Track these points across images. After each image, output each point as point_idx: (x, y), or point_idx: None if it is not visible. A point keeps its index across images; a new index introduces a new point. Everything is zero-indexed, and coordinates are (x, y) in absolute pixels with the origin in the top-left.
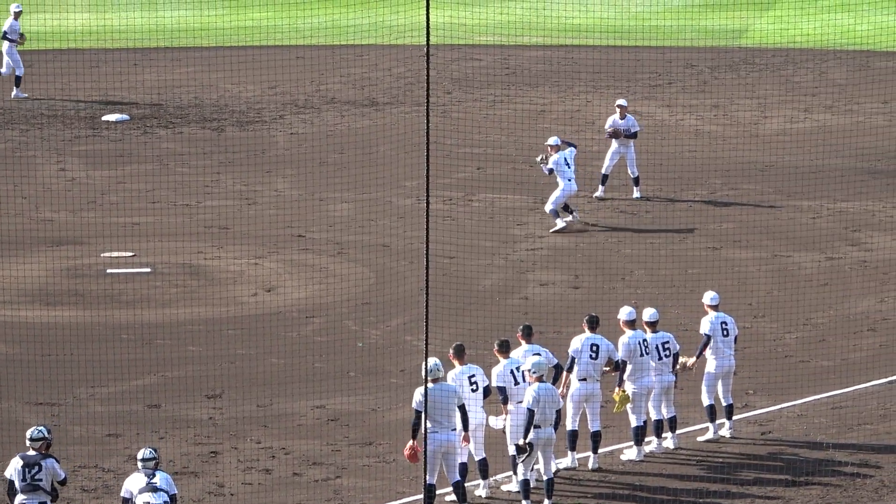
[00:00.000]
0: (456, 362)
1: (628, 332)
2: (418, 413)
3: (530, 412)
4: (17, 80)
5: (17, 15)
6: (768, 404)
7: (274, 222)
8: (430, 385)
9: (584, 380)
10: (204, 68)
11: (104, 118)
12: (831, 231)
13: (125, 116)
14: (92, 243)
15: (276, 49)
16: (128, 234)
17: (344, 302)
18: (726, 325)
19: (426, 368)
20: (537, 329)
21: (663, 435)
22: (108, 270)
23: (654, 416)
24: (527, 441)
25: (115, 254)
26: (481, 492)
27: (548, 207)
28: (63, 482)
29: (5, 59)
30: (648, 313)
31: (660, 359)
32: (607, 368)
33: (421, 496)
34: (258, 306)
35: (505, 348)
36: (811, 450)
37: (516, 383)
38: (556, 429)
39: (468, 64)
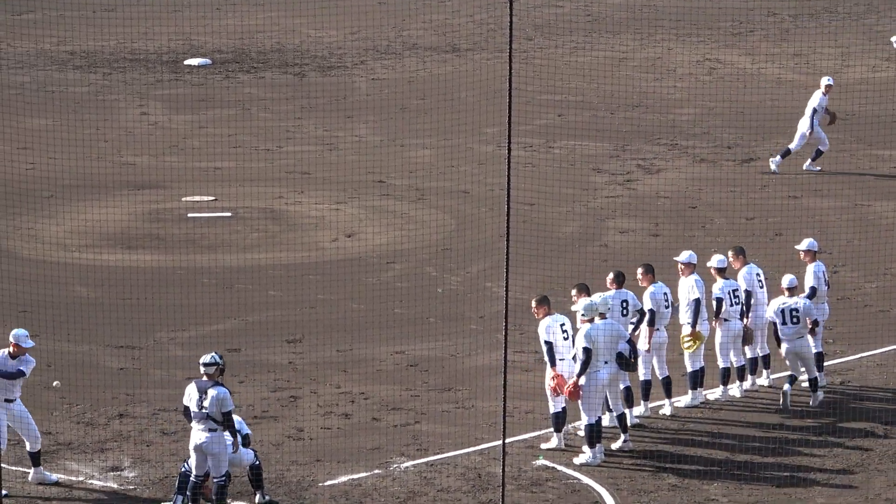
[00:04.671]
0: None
1: (691, 276)
2: (588, 350)
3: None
4: None
5: None
6: (848, 353)
7: (355, 168)
8: (596, 322)
9: (658, 329)
10: (286, 13)
11: (186, 63)
12: None
13: (207, 61)
14: (173, 187)
15: None
16: (209, 179)
17: (424, 248)
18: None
19: (587, 306)
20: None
21: (736, 383)
22: (189, 215)
23: (722, 364)
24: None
25: (196, 198)
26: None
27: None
28: (229, 414)
29: None
30: (717, 259)
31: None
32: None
33: (498, 442)
34: (339, 252)
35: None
36: (890, 403)
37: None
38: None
39: (550, 10)
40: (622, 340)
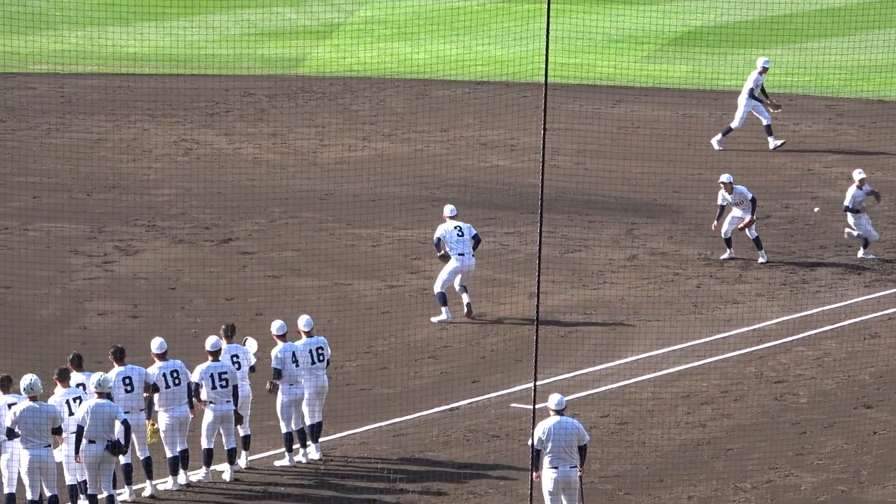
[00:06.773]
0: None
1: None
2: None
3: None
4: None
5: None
6: (331, 432)
7: None
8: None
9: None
10: None
11: None
12: (392, 259)
13: None
14: None
15: None
16: None
17: None
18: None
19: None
20: (99, 358)
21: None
22: None
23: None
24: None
25: None
26: None
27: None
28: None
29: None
30: (210, 342)
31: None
32: (146, 394)
33: None
34: None
35: (64, 376)
36: (373, 481)
37: None
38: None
39: (22, 92)
40: (117, 420)
